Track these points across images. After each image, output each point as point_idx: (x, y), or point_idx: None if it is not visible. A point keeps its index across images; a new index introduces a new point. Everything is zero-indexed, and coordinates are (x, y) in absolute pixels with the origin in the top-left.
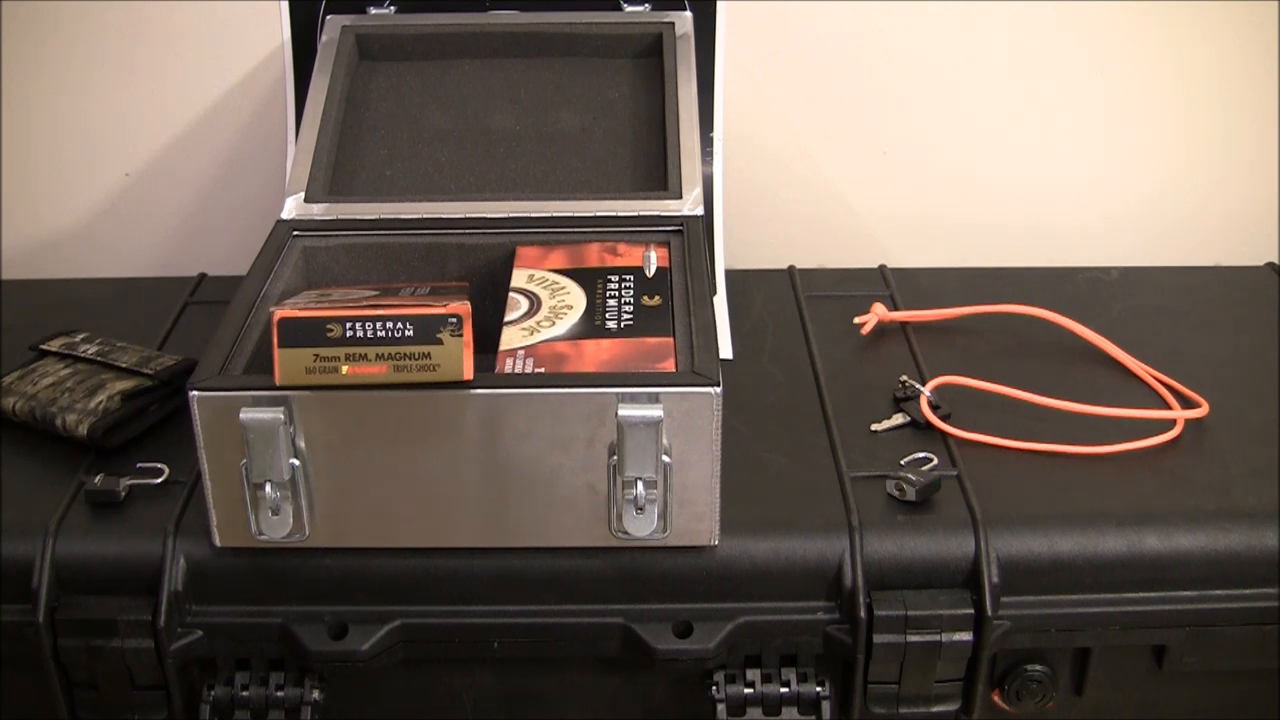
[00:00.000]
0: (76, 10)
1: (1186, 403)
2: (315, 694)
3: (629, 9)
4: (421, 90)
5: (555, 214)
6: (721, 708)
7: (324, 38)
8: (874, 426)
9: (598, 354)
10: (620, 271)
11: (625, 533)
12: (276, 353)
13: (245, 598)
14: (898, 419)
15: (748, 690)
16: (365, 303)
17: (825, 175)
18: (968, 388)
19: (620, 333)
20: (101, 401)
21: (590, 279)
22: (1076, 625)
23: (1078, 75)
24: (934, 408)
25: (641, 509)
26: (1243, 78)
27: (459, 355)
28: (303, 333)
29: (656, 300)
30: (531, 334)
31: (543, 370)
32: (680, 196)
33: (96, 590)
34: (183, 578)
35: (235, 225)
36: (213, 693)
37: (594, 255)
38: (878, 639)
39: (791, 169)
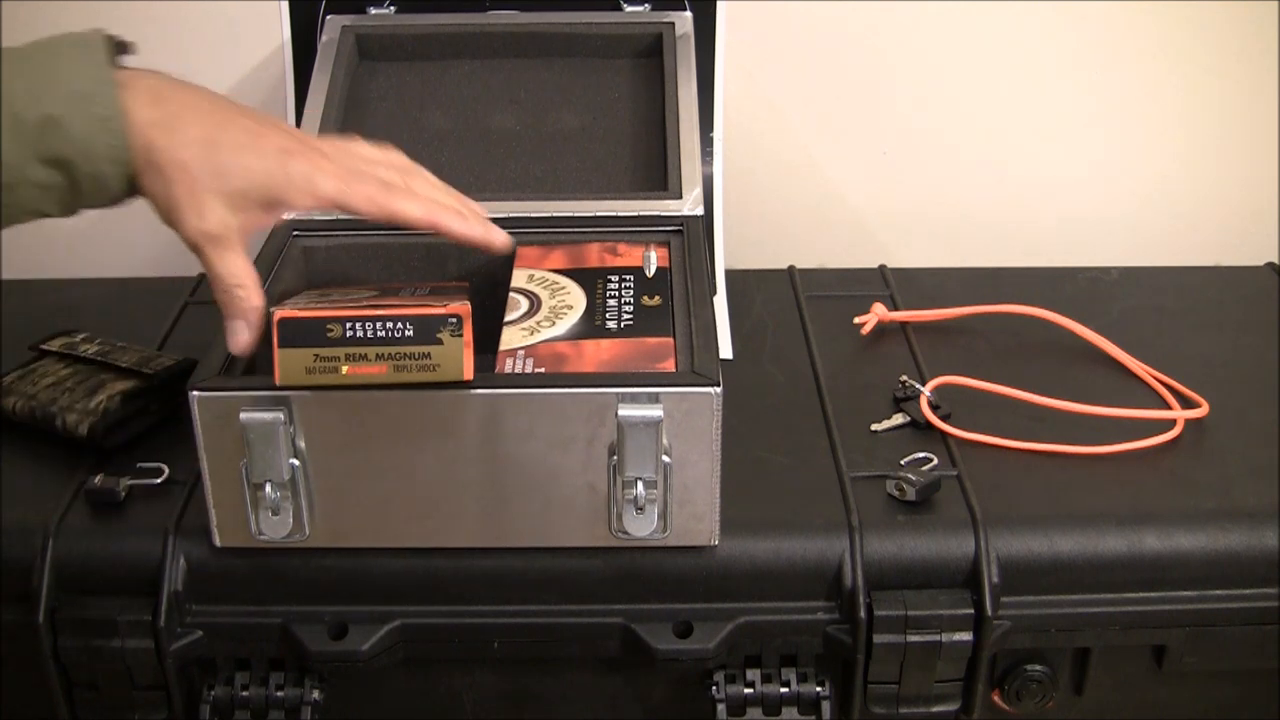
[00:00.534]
0: (77, 10)
1: (1186, 403)
2: (315, 694)
3: (629, 9)
4: (421, 90)
5: (555, 214)
6: (721, 708)
7: (324, 38)
8: (874, 426)
9: (598, 354)
10: (620, 271)
11: (625, 533)
12: (277, 353)
13: (245, 598)
14: (898, 419)
15: (748, 690)
16: (365, 303)
17: (825, 175)
18: (968, 388)
19: (620, 333)
20: (101, 401)
21: (590, 279)
22: (1076, 625)
23: (1078, 75)
24: (934, 408)
25: (641, 509)
26: (1243, 78)
27: (459, 355)
28: (303, 333)
29: (656, 300)
30: (531, 334)
31: (543, 370)
32: (680, 196)
33: (96, 590)
34: (183, 578)
35: None
36: (213, 693)
37: (594, 255)
38: (878, 639)
39: (791, 169)
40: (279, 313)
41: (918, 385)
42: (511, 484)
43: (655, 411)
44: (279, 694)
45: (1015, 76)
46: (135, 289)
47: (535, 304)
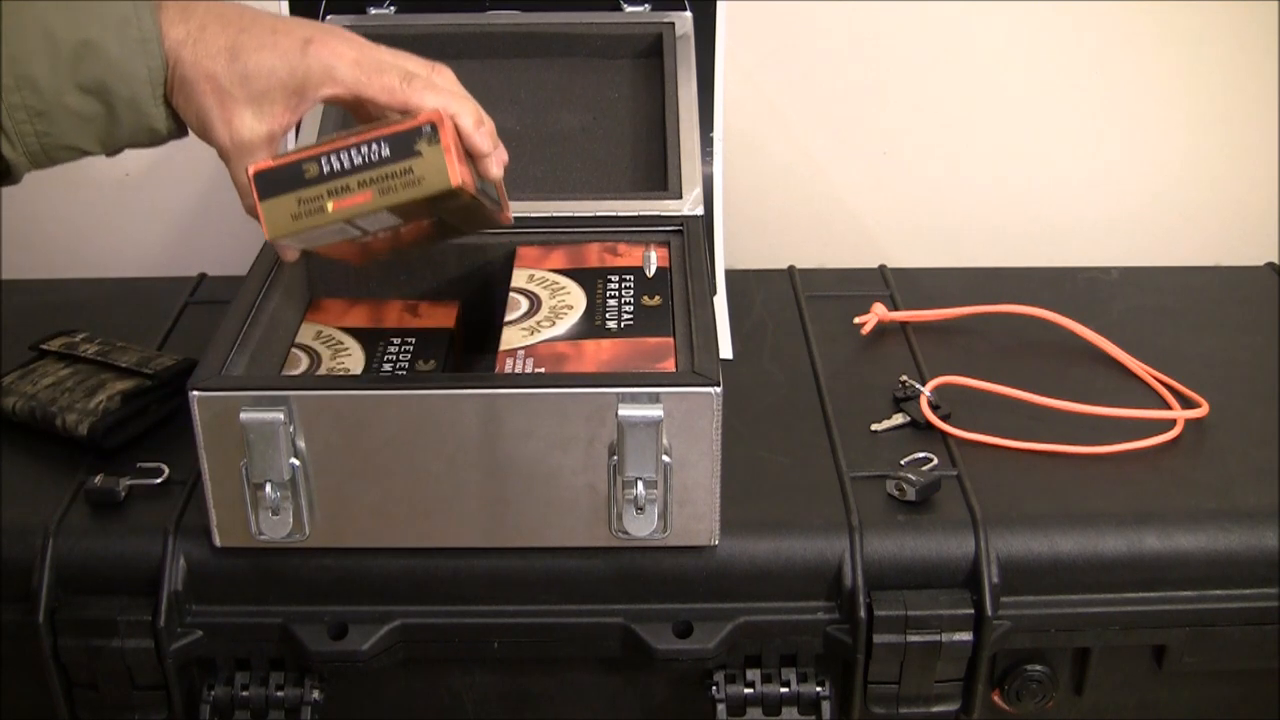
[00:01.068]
0: None
1: (1186, 403)
2: (315, 694)
3: (629, 9)
4: None
5: (555, 214)
6: (721, 708)
7: None
8: (874, 426)
9: (598, 354)
10: (620, 271)
11: (625, 533)
12: (259, 207)
13: (245, 598)
14: (898, 419)
15: (748, 690)
16: (338, 136)
17: (825, 175)
18: (968, 388)
19: (620, 333)
20: (101, 401)
21: (590, 279)
22: (1076, 625)
23: (1078, 75)
24: (934, 408)
25: (641, 509)
26: (1243, 78)
27: (441, 162)
28: (281, 180)
29: (656, 300)
30: (532, 334)
31: (543, 370)
32: (680, 196)
33: (96, 590)
34: (183, 578)
35: (235, 225)
36: (213, 693)
37: (594, 255)
38: (878, 639)
39: (791, 169)
40: (253, 167)
41: (918, 385)
42: (511, 484)
43: (655, 411)
44: (279, 694)
45: (1015, 77)
46: (135, 289)
47: (535, 304)
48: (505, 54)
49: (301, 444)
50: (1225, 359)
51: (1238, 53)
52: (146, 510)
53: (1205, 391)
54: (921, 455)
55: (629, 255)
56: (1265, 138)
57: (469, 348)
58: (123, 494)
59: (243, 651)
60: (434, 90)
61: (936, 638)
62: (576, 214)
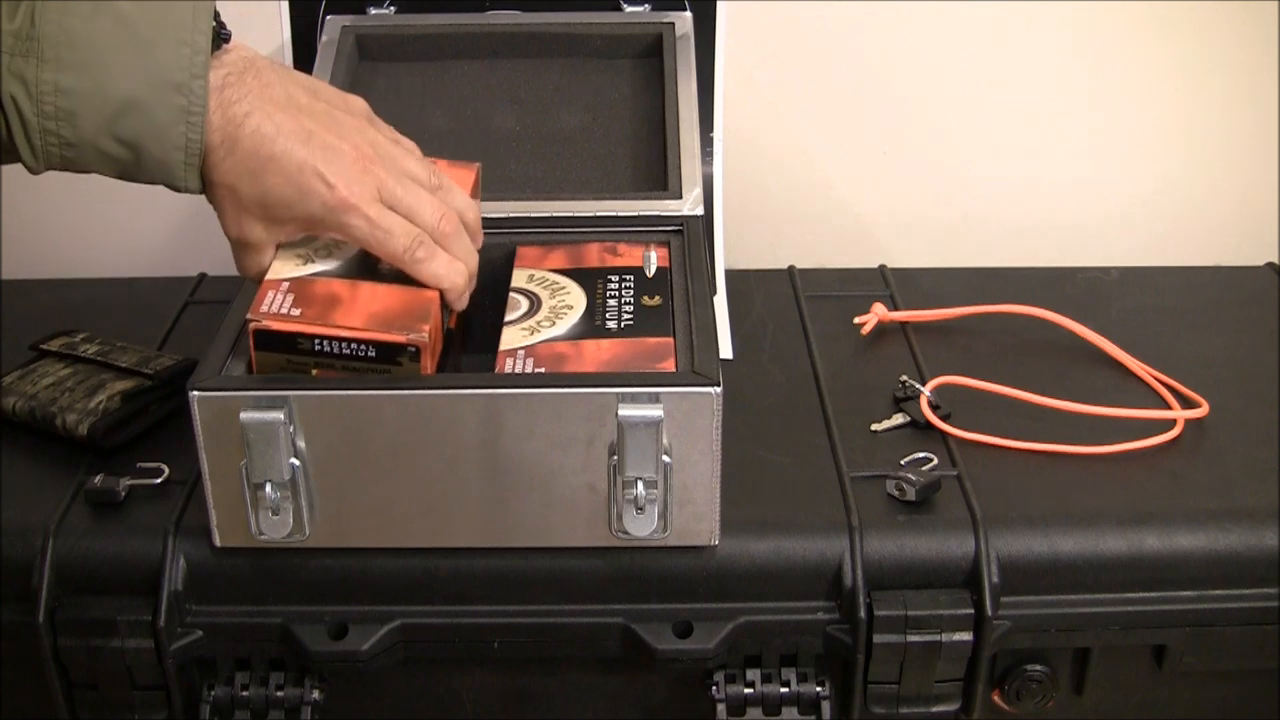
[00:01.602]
0: None
1: (1186, 403)
2: (315, 694)
3: (629, 9)
4: (421, 91)
5: (555, 214)
6: (721, 708)
7: (324, 38)
8: (874, 426)
9: (598, 354)
10: (620, 271)
11: (625, 533)
12: (254, 354)
13: (245, 598)
14: (898, 419)
15: (748, 690)
16: (338, 319)
17: (825, 175)
18: (968, 388)
19: (620, 333)
20: (101, 401)
21: (590, 279)
22: (1076, 625)
23: (1077, 75)
24: (934, 408)
25: (641, 509)
26: (1243, 78)
27: (416, 370)
28: (276, 342)
29: (656, 300)
30: (531, 334)
31: (543, 370)
32: (680, 196)
33: (96, 590)
34: (183, 578)
35: None
36: (213, 693)
37: (594, 255)
38: (878, 639)
39: (791, 169)
40: (254, 325)
41: (918, 385)
42: (511, 484)
43: (655, 411)
44: (279, 694)
45: (1015, 77)
46: (135, 289)
47: (535, 304)
48: (505, 54)
49: (301, 444)
50: (1225, 359)
51: (1238, 52)
52: (146, 510)
53: (1205, 391)
54: (921, 455)
55: (629, 255)
56: (1265, 137)
57: (469, 348)
58: (123, 494)
59: (243, 651)
60: (433, 260)
61: (936, 638)
62: (576, 214)
